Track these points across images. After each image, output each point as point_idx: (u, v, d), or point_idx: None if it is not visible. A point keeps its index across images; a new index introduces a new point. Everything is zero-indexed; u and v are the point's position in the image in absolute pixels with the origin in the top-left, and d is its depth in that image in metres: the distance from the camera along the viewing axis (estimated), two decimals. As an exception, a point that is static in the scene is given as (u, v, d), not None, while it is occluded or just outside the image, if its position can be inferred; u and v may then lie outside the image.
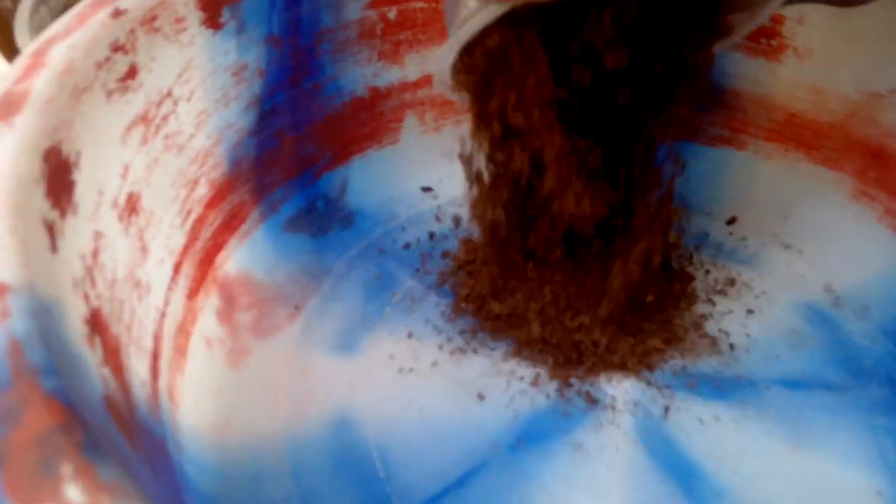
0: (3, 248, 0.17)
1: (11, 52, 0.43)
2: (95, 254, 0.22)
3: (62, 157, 0.21)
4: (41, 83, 0.21)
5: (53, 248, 0.19)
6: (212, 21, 0.30)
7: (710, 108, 0.41)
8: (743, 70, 0.39)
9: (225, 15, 0.30)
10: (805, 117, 0.39)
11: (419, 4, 0.37)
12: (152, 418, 0.23)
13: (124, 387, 0.21)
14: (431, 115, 0.41)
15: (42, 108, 0.21)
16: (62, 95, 0.22)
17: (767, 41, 0.38)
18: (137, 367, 0.23)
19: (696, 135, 0.42)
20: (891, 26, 0.35)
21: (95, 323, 0.20)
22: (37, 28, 0.44)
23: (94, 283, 0.22)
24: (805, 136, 0.39)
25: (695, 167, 0.42)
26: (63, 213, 0.21)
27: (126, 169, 0.25)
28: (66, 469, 0.13)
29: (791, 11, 0.37)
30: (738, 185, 0.41)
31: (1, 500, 0.13)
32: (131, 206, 0.25)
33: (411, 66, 0.39)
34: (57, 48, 0.23)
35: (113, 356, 0.21)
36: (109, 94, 0.25)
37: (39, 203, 0.19)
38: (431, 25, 0.38)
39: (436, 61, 0.25)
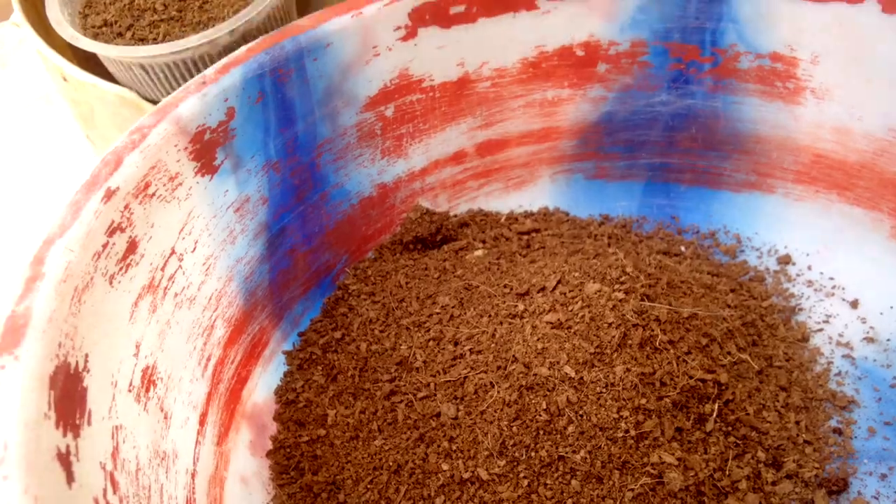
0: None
1: (42, 28, 0.40)
2: (115, 453, 0.23)
3: (70, 371, 0.22)
4: (41, 300, 0.22)
5: (70, 479, 0.20)
6: (207, 167, 0.30)
7: (731, 155, 0.39)
8: (761, 114, 0.37)
9: (219, 157, 0.30)
10: (832, 158, 0.37)
11: (416, 96, 0.37)
12: None
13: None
14: (444, 196, 0.40)
15: (44, 330, 0.21)
16: (63, 307, 0.22)
17: (783, 84, 0.36)
18: (168, 554, 0.24)
19: (719, 182, 0.40)
20: (914, 64, 0.33)
21: (118, 538, 0.21)
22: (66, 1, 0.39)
23: (116, 488, 0.22)
24: (835, 176, 0.37)
25: (722, 213, 0.40)
26: (77, 433, 0.21)
27: (138, 346, 0.26)
28: None
29: (803, 52, 0.35)
30: (770, 229, 0.39)
31: None
32: (148, 381, 0.26)
33: (416, 156, 0.38)
34: (53, 252, 0.23)
35: (140, 562, 0.22)
36: (111, 279, 0.25)
37: (50, 438, 0.20)
38: (431, 113, 0.37)
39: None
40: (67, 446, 0.21)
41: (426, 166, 0.39)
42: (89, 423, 0.22)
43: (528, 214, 0.41)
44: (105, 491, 0.22)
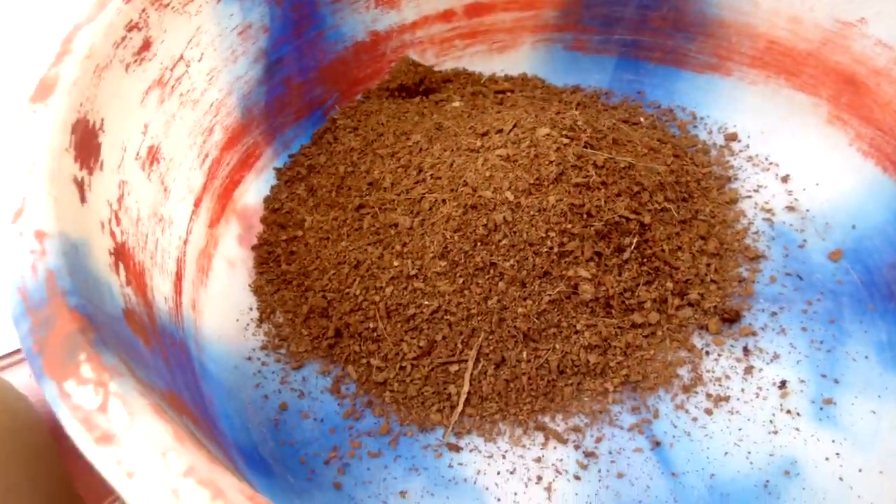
0: (42, 206, 0.23)
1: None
2: (121, 199, 0.29)
3: (88, 126, 0.27)
4: (68, 68, 0.27)
5: (83, 199, 0.26)
6: (216, -11, 0.34)
7: (696, 37, 0.43)
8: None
9: (228, -18, 0.35)
10: (784, 44, 0.40)
11: (411, -48, 0.40)
12: (173, 325, 0.30)
13: (147, 301, 0.28)
14: (432, 51, 0.44)
15: (69, 89, 0.27)
16: (85, 76, 0.28)
17: (748, -31, 0.39)
18: (161, 286, 0.30)
19: (684, 62, 0.44)
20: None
21: (120, 253, 0.27)
22: None
23: (119, 222, 0.28)
24: (785, 62, 0.41)
25: (684, 92, 0.44)
26: (91, 171, 0.27)
27: (146, 126, 0.31)
28: (82, 356, 0.20)
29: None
30: (723, 110, 0.43)
31: (42, 376, 0.20)
32: (152, 157, 0.32)
33: (408, 10, 0.42)
34: (80, 35, 0.29)
35: (137, 278, 0.28)
36: (127, 66, 0.30)
37: (69, 167, 0.26)
38: (425, -30, 0.41)
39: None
40: (83, 178, 0.26)
41: (416, 20, 0.43)
42: (101, 170, 0.28)
43: (507, 78, 0.45)
44: (110, 220, 0.28)
